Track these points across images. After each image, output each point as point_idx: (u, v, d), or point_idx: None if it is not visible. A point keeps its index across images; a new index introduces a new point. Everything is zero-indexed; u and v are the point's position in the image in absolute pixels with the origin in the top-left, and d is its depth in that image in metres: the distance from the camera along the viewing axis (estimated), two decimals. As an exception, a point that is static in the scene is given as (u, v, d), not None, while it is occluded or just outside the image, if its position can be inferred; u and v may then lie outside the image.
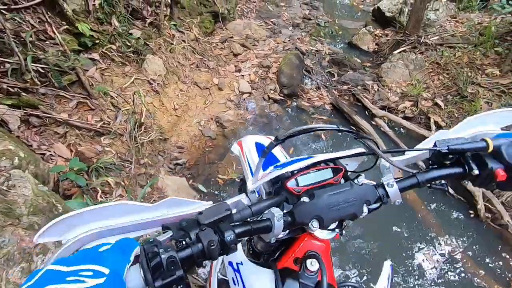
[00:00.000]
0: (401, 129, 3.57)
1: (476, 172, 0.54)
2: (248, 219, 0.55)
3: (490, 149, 0.52)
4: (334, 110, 3.80)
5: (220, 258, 0.77)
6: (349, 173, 0.66)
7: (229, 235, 0.46)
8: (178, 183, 2.57)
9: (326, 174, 0.62)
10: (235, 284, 0.64)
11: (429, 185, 0.59)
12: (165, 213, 0.53)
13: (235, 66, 4.05)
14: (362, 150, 0.62)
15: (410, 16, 4.59)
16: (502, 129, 0.65)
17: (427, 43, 4.41)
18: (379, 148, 0.58)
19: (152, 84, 2.92)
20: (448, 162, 0.57)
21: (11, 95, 1.99)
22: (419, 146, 0.62)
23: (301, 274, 0.56)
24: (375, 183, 0.61)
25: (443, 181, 0.59)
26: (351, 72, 4.33)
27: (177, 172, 2.77)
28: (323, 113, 3.74)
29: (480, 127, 0.63)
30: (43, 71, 2.14)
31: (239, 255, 0.67)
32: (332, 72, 4.36)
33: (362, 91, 4.05)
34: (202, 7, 4.41)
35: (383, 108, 3.76)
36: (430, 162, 0.60)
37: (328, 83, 4.17)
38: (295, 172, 0.61)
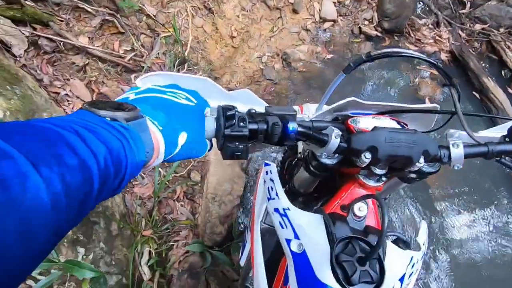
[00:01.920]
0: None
1: None
2: None
3: None
4: (454, 62, 2.63)
5: (263, 208, 0.76)
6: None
7: (292, 125, 0.50)
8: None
9: (389, 124, 0.61)
10: (282, 227, 0.63)
11: (498, 158, 0.55)
12: (238, 103, 0.54)
13: (321, -23, 2.88)
14: (437, 106, 0.62)
15: None
16: None
17: None
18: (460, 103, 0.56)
19: (206, -2, 2.11)
20: None
21: (12, 4, 1.43)
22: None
23: (349, 219, 0.58)
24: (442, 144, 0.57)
25: None
26: (494, 3, 2.86)
27: (225, 124, 2.21)
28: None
29: None
30: (53, -31, 1.50)
31: (284, 201, 0.65)
32: (464, -1, 2.93)
33: (506, 38, 2.69)
34: None
35: (533, 69, 2.49)
36: (506, 139, 0.56)
37: (453, 18, 2.83)
38: (359, 114, 0.64)
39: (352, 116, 0.62)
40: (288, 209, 0.64)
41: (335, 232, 0.54)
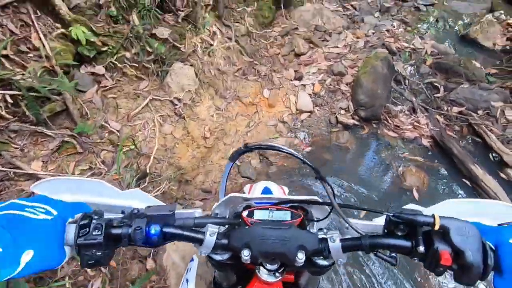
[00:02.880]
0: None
1: (422, 249, 0.48)
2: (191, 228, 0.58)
3: (437, 226, 0.47)
4: (436, 148, 2.55)
5: None
6: (315, 222, 0.66)
7: (154, 228, 0.51)
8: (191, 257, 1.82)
9: (284, 215, 0.62)
10: None
11: (375, 252, 0.53)
12: (131, 203, 0.58)
13: (296, 71, 3.05)
14: (317, 198, 0.61)
15: None
16: (498, 225, 0.54)
17: None
18: (335, 199, 0.57)
19: (177, 105, 2.16)
20: (400, 234, 0.52)
21: (-36, 138, 1.42)
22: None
23: None
24: (323, 237, 0.56)
25: (393, 254, 0.52)
26: (466, 86, 2.92)
27: (196, 231, 2.03)
28: (418, 151, 2.54)
29: (469, 216, 0.52)
30: (13, 101, 1.53)
31: None
32: (436, 84, 3.02)
33: (485, 119, 2.67)
34: (261, -11, 3.43)
35: (522, 152, 2.38)
36: (385, 231, 0.55)
37: (428, 103, 2.87)
38: (255, 205, 0.64)
39: (254, 207, 0.63)
40: None
41: None
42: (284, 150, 0.67)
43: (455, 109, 2.77)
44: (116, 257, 1.62)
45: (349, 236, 0.57)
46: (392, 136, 2.63)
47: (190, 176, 2.16)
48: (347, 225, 0.56)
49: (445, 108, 2.80)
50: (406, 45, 3.44)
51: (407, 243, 0.50)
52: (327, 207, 0.61)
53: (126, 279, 1.59)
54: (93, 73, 1.88)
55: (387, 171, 2.40)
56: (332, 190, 0.60)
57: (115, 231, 0.49)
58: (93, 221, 0.48)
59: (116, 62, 1.96)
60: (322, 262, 0.56)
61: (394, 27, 3.75)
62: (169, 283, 1.63)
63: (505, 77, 3.12)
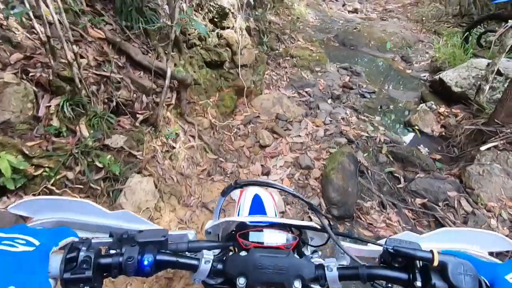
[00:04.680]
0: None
1: (419, 284, 0.50)
2: (184, 254, 0.56)
3: (435, 263, 0.48)
4: (412, 248, 2.49)
5: None
6: (308, 247, 0.70)
7: (147, 258, 0.49)
8: None
9: (279, 238, 0.62)
10: None
11: (372, 282, 0.55)
12: (119, 223, 0.58)
13: (262, 166, 2.91)
14: (315, 225, 0.63)
15: (500, 102, 3.40)
16: (489, 253, 0.60)
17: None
18: (331, 228, 0.59)
19: (131, 230, 1.76)
20: (397, 265, 0.54)
21: None
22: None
23: None
24: (319, 263, 0.57)
25: (389, 285, 0.54)
26: (422, 177, 3.08)
27: None
28: (396, 254, 2.43)
29: (461, 244, 0.59)
30: None
31: None
32: (396, 174, 3.13)
33: (446, 211, 2.76)
34: (223, 80, 3.44)
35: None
36: (382, 260, 0.56)
37: (393, 194, 2.91)
38: (251, 226, 0.64)
39: (246, 230, 0.63)
40: None
41: None
42: (275, 186, 0.66)
43: (418, 201, 2.84)
44: None
45: (345, 263, 0.59)
46: (367, 234, 2.53)
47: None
48: (341, 250, 0.56)
49: (409, 200, 2.86)
50: (361, 133, 3.64)
51: (404, 276, 0.51)
52: (325, 234, 0.61)
53: None
54: (18, 207, 1.44)
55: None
56: (329, 220, 0.62)
57: (104, 261, 0.47)
58: (81, 253, 0.45)
59: (53, 188, 1.56)
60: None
61: (347, 114, 4.01)
62: None
63: (449, 164, 3.41)
